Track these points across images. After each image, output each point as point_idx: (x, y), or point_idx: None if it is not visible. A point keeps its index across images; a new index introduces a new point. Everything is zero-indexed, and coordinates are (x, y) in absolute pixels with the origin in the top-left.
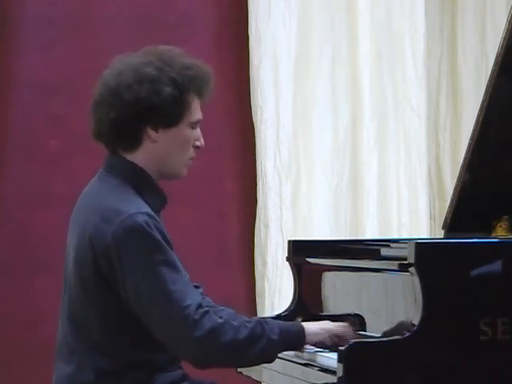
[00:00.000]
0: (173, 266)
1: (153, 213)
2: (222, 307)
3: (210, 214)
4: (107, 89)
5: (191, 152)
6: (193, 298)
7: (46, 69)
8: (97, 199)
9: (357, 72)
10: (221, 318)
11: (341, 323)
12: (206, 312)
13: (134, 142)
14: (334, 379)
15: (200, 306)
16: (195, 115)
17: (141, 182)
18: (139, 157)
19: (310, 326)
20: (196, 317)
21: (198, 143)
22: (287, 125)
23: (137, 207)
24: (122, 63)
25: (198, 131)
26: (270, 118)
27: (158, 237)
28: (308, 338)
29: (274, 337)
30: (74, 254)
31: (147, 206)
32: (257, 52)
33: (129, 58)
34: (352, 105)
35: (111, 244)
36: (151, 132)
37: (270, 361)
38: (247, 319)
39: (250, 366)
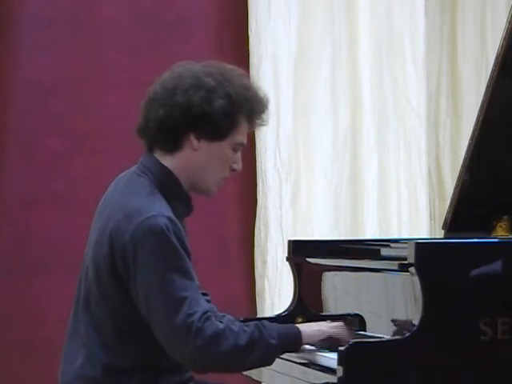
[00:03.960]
0: (185, 273)
1: (174, 218)
2: (222, 314)
3: (210, 214)
4: (163, 89)
5: (226, 172)
6: (201, 305)
7: (45, 69)
8: (123, 196)
9: (357, 72)
10: (221, 322)
11: (336, 323)
12: (208, 318)
13: (175, 145)
14: (334, 379)
15: (205, 312)
16: (240, 137)
17: (170, 187)
18: (176, 162)
19: (306, 328)
20: (199, 324)
21: (235, 166)
22: (287, 125)
23: (160, 210)
24: (184, 68)
25: (238, 155)
26: (270, 118)
27: (175, 242)
28: (305, 340)
29: (273, 341)
30: (93, 248)
31: (170, 211)
32: (257, 52)
33: (191, 65)
34: (352, 105)
35: (129, 242)
36: (194, 140)
37: (269, 364)
38: (246, 324)
39: (249, 370)
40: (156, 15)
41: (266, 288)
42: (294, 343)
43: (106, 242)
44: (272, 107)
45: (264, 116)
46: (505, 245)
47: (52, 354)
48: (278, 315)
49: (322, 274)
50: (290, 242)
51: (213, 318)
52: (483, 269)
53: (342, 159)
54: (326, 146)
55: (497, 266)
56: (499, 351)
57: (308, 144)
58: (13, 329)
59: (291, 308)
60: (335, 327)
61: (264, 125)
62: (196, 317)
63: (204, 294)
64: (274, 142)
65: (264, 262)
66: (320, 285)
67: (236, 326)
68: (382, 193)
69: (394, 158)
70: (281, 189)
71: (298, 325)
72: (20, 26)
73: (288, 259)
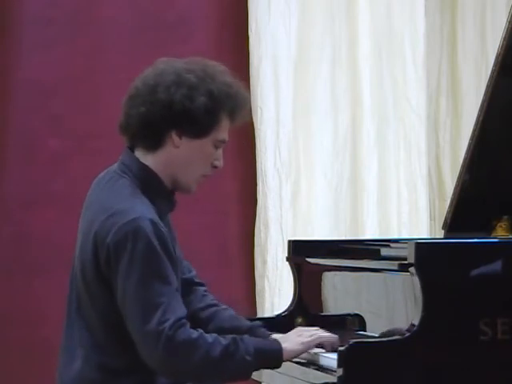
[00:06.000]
0: (164, 278)
1: (157, 219)
2: (225, 306)
3: (210, 213)
4: (145, 85)
5: (207, 169)
6: (175, 312)
7: (45, 69)
8: (106, 197)
9: (357, 72)
10: (196, 331)
11: (317, 334)
12: (182, 325)
13: (156, 143)
14: (334, 379)
15: (179, 319)
16: (222, 134)
17: (151, 186)
18: (157, 159)
19: (289, 345)
20: (170, 332)
21: (217, 163)
22: (287, 125)
23: (142, 212)
24: (166, 65)
25: (219, 152)
26: (270, 117)
27: (157, 245)
28: (286, 357)
29: (248, 357)
30: (80, 250)
31: (153, 211)
32: (257, 52)
33: (173, 62)
34: (352, 105)
35: (111, 245)
36: (175, 137)
37: (245, 379)
38: (223, 336)
39: (224, 382)
40: (156, 15)
41: (266, 288)
42: (272, 360)
43: (90, 244)
44: (272, 107)
45: (246, 113)
46: (505, 245)
47: (52, 353)
48: (278, 315)
49: (322, 274)
50: (290, 242)
51: (187, 326)
52: (483, 269)
53: (342, 159)
54: (326, 146)
55: (497, 266)
56: (499, 351)
57: (308, 144)
58: (13, 329)
59: (291, 308)
60: (314, 338)
61: (246, 122)
62: (168, 324)
63: (200, 284)
64: (274, 141)
65: (264, 262)
66: (320, 285)
67: (211, 337)
68: (382, 193)
69: (394, 157)
70: (281, 189)
71: (281, 337)
72: (20, 25)
73: (288, 259)
